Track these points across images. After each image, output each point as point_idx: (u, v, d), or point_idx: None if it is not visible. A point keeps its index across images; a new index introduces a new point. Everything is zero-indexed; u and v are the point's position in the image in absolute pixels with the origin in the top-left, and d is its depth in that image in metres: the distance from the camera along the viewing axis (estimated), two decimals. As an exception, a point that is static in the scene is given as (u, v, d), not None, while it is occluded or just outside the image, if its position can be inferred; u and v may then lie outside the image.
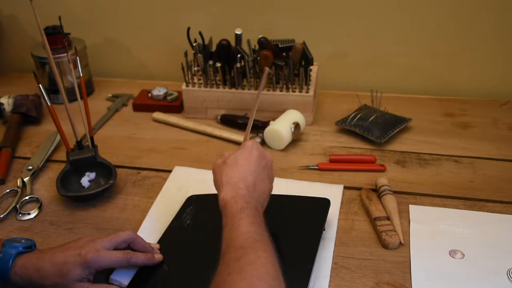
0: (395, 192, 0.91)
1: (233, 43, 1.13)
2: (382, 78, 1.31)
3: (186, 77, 1.17)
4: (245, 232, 0.63)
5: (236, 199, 0.68)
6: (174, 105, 1.23)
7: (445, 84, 1.30)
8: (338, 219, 0.87)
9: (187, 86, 1.18)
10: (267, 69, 0.78)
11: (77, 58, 1.01)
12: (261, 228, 0.65)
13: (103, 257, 0.70)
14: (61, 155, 1.07)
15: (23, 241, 0.73)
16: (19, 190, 0.97)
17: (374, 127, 1.09)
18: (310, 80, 1.14)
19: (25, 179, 0.99)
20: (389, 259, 0.79)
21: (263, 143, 1.09)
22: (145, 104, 1.25)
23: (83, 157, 0.96)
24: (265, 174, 0.75)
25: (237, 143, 1.10)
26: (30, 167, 1.02)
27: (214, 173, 0.76)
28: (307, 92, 1.13)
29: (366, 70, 1.32)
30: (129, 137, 1.15)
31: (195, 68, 1.18)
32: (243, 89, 1.15)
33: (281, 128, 1.05)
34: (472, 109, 1.21)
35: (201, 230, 0.84)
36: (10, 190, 0.97)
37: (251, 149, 0.75)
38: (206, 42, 1.16)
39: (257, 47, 1.12)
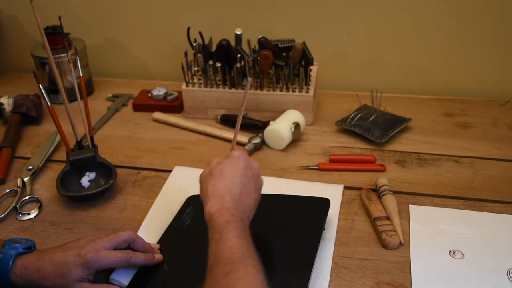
0: (395, 192, 0.91)
1: (233, 43, 1.13)
2: (382, 78, 1.31)
3: (186, 77, 1.17)
4: (233, 247, 0.62)
5: (222, 211, 0.68)
6: (174, 105, 1.23)
7: (445, 84, 1.30)
8: (338, 219, 0.87)
9: (187, 86, 1.18)
10: (249, 79, 0.78)
11: (77, 58, 1.01)
12: (248, 242, 0.65)
13: (103, 257, 0.70)
14: (61, 155, 1.07)
15: (23, 241, 0.73)
16: (19, 190, 0.97)
17: (374, 127, 1.09)
18: (310, 80, 1.14)
19: (25, 179, 0.99)
20: (389, 259, 0.79)
21: (263, 143, 1.09)
22: (145, 104, 1.25)
23: (83, 157, 0.96)
24: (251, 185, 0.74)
25: (237, 143, 1.10)
26: (30, 167, 1.02)
27: (200, 183, 0.76)
28: (307, 92, 1.13)
29: (366, 70, 1.32)
30: (129, 137, 1.15)
31: (195, 68, 1.18)
32: (243, 89, 1.15)
33: (281, 128, 1.05)
34: (472, 109, 1.21)
35: (201, 230, 0.83)
36: (10, 190, 0.97)
37: (238, 160, 0.75)
38: (206, 42, 1.16)
39: (257, 47, 1.12)
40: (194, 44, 1.15)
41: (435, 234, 0.83)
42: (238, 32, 1.14)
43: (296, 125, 1.06)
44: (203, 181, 0.75)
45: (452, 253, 0.80)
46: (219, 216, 0.67)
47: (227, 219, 0.66)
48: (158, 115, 1.21)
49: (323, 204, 0.83)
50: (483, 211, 0.89)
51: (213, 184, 0.72)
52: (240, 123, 0.81)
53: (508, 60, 1.24)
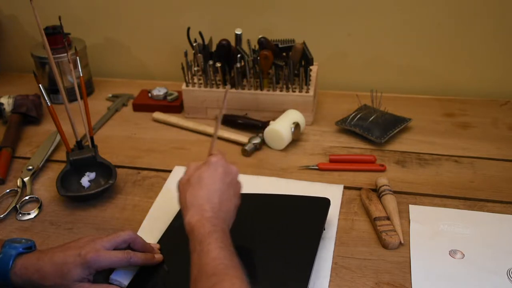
0: (395, 192, 0.91)
1: (233, 43, 1.13)
2: (382, 78, 1.31)
3: (186, 77, 1.17)
4: (216, 258, 0.62)
5: (203, 222, 0.66)
6: (174, 105, 1.23)
7: (445, 84, 1.30)
8: (338, 219, 0.87)
9: (187, 86, 1.18)
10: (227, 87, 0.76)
11: (77, 58, 1.01)
12: (230, 252, 0.64)
13: (103, 257, 0.70)
14: (61, 155, 1.07)
15: (23, 241, 0.73)
16: (19, 190, 0.97)
17: (374, 127, 1.09)
18: (310, 80, 1.14)
19: (25, 179, 0.99)
20: (389, 259, 0.79)
21: (263, 143, 1.09)
22: (145, 104, 1.25)
23: (83, 157, 0.96)
24: (230, 192, 0.73)
25: (237, 143, 1.10)
26: (30, 167, 1.02)
27: (179, 192, 0.74)
28: (307, 92, 1.13)
29: (366, 70, 1.32)
30: (129, 137, 1.15)
31: (195, 68, 1.18)
32: (243, 89, 1.15)
33: (281, 128, 1.05)
34: (472, 109, 1.21)
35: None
36: (10, 190, 0.97)
37: (216, 166, 0.73)
38: (206, 42, 1.16)
39: (257, 47, 1.12)
40: (194, 44, 1.15)
41: (435, 234, 0.83)
42: (238, 32, 1.14)
43: (296, 125, 1.06)
44: (181, 189, 0.73)
45: (452, 253, 0.80)
46: (200, 227, 0.66)
47: (208, 230, 0.65)
48: (158, 115, 1.21)
49: (323, 204, 0.83)
50: (483, 211, 0.89)
51: (192, 193, 0.71)
52: (218, 128, 0.79)
53: (508, 60, 1.24)
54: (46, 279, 0.69)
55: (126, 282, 0.74)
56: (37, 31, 0.88)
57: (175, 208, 0.89)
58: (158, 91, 1.25)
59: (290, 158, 1.05)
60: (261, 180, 0.98)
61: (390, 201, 0.88)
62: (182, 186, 0.74)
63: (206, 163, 0.74)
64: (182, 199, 0.73)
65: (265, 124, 1.10)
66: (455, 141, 1.09)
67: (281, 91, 1.14)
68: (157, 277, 0.75)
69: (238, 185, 0.76)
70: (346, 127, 1.12)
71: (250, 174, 0.99)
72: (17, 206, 0.92)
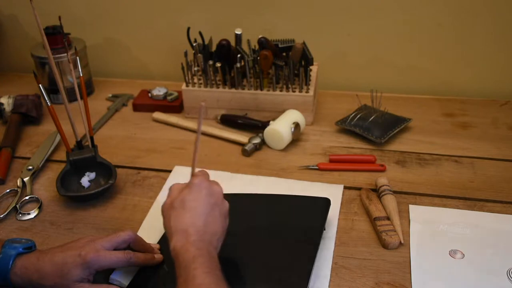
0: (395, 192, 0.91)
1: (233, 43, 1.13)
2: (382, 78, 1.31)
3: (186, 77, 1.17)
4: (201, 284, 0.60)
5: (187, 247, 0.64)
6: (174, 105, 1.23)
7: (445, 84, 1.30)
8: (338, 219, 0.87)
9: (187, 86, 1.18)
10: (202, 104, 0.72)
11: (77, 58, 1.01)
12: (217, 277, 0.62)
13: (103, 257, 0.70)
14: (61, 155, 1.07)
15: (23, 241, 0.73)
16: (19, 190, 0.97)
17: (374, 127, 1.09)
18: (310, 80, 1.14)
19: (25, 179, 0.99)
20: (389, 259, 0.79)
21: (263, 143, 1.09)
22: (145, 104, 1.25)
23: (83, 157, 0.96)
24: (216, 213, 0.70)
25: (237, 143, 1.10)
26: (30, 167, 1.02)
27: (162, 215, 0.72)
28: (307, 92, 1.13)
29: (366, 70, 1.32)
30: (129, 137, 1.15)
31: (195, 68, 1.18)
32: (243, 89, 1.15)
33: (281, 128, 1.05)
34: (472, 109, 1.21)
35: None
36: (10, 190, 0.97)
37: (199, 188, 0.70)
38: (206, 42, 1.16)
39: (257, 47, 1.12)
40: (194, 44, 1.15)
41: (435, 234, 0.83)
42: (238, 32, 1.14)
43: (296, 125, 1.06)
44: (165, 213, 0.71)
45: (452, 253, 0.80)
46: (184, 253, 0.64)
47: (193, 255, 0.63)
48: (158, 115, 1.21)
49: (324, 204, 0.83)
50: (483, 211, 0.89)
51: (176, 217, 0.68)
52: (198, 147, 0.74)
53: (508, 60, 1.24)
54: (46, 279, 0.69)
55: (126, 282, 0.74)
56: (37, 31, 0.88)
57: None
58: (158, 91, 1.25)
59: (290, 158, 1.05)
60: (261, 180, 0.98)
61: (390, 201, 0.88)
62: (166, 211, 0.71)
63: (189, 185, 0.71)
64: (166, 224, 0.70)
65: (265, 124, 1.10)
66: (455, 141, 1.09)
67: (281, 91, 1.14)
68: (157, 277, 0.75)
69: (223, 205, 0.73)
70: (346, 127, 1.12)
71: (250, 174, 0.99)
72: (17, 206, 0.92)
